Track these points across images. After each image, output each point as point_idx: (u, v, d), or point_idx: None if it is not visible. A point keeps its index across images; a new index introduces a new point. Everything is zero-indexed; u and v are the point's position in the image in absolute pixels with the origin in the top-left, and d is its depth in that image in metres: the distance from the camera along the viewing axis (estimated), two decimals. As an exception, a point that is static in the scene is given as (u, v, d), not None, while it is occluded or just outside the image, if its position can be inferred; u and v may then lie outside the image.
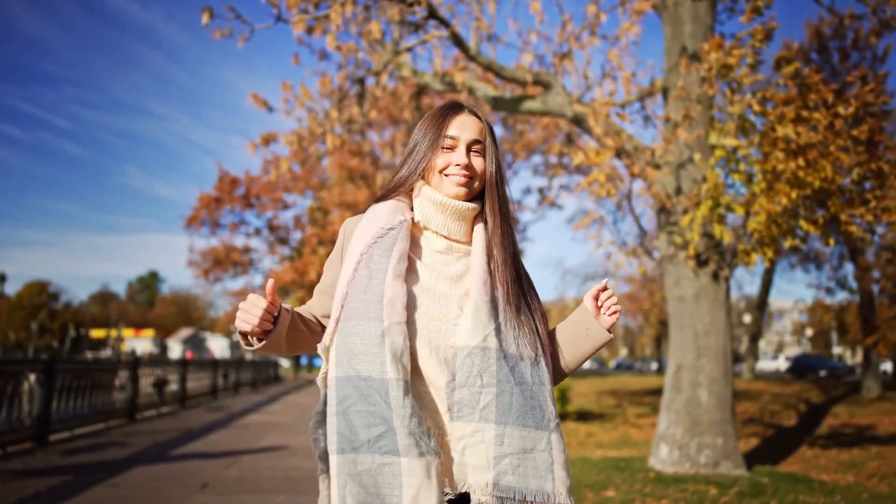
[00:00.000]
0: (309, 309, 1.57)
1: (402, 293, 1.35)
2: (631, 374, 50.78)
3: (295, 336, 1.45)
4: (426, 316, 1.37)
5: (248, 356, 23.24)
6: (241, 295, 30.99)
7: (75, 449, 7.32)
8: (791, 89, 6.11)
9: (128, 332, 60.15)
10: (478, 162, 1.48)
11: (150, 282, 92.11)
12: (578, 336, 1.53)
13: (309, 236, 26.33)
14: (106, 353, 48.88)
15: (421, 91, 9.83)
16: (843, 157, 5.78)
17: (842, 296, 27.31)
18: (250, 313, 1.34)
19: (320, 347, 1.39)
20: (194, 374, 15.21)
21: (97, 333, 65.02)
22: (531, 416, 1.32)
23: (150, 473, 5.95)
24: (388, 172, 18.39)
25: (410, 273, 1.41)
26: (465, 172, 1.45)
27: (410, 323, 1.35)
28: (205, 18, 5.73)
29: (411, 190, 1.52)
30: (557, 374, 1.53)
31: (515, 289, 1.44)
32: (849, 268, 23.56)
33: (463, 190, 1.45)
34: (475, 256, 1.44)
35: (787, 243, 6.23)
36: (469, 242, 1.49)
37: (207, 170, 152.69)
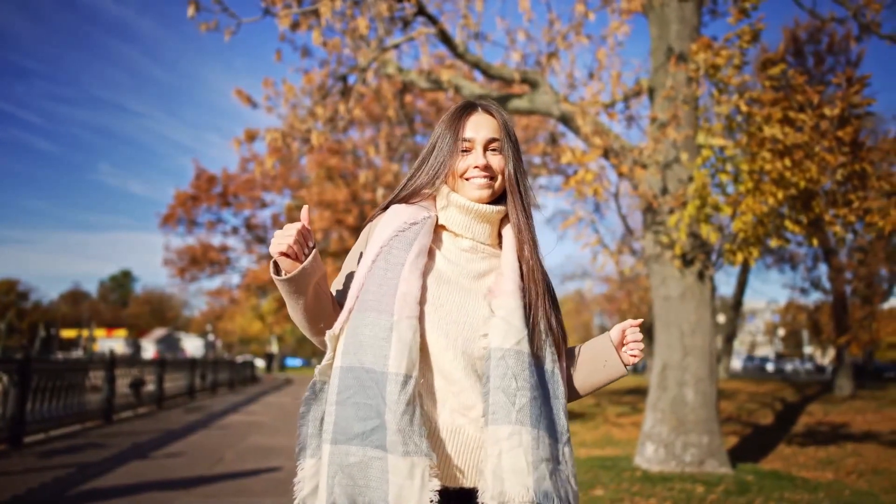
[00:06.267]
0: None
1: (416, 287, 1.33)
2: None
3: (320, 294, 1.39)
4: (444, 308, 1.36)
5: (226, 356, 22.96)
6: (218, 294, 30.55)
7: (52, 451, 7.13)
8: (767, 91, 6.16)
9: (100, 332, 59.08)
10: (496, 160, 1.47)
11: (122, 281, 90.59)
12: (596, 365, 1.52)
13: (287, 235, 26.03)
14: (77, 353, 47.92)
15: (405, 89, 9.76)
16: (828, 157, 5.85)
17: (816, 296, 27.84)
18: (285, 234, 1.30)
19: (329, 334, 1.36)
20: (171, 374, 14.96)
21: (68, 333, 63.66)
22: (552, 426, 1.34)
23: (132, 475, 5.81)
24: (369, 171, 18.24)
25: (431, 267, 1.40)
26: (484, 174, 1.45)
27: (428, 315, 1.34)
28: (190, 11, 5.61)
29: (434, 196, 1.50)
30: (571, 392, 1.53)
31: (546, 297, 1.44)
32: (823, 269, 24.01)
33: (486, 192, 1.45)
34: (506, 259, 1.44)
35: (773, 243, 6.30)
36: (494, 245, 1.49)
37: (184, 167, 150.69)
